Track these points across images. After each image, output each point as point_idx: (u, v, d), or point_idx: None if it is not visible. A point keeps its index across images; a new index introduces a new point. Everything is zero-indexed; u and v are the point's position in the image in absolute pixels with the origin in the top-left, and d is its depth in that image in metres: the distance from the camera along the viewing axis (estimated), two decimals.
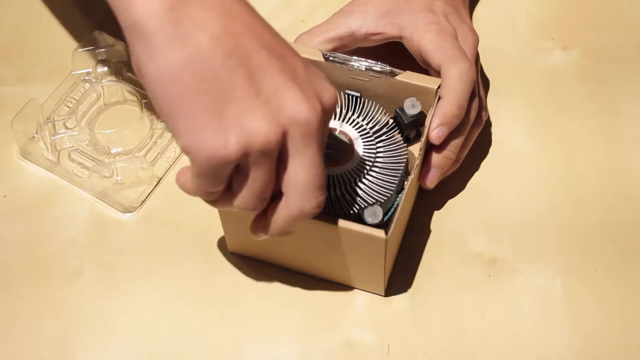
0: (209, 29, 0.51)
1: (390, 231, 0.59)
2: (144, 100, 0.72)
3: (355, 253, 0.62)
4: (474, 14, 0.80)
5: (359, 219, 0.60)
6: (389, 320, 0.65)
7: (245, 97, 0.51)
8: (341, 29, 0.70)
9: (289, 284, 0.66)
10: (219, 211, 0.63)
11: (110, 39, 0.75)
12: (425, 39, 0.67)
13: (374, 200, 0.61)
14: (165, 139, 0.72)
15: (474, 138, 0.69)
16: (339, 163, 0.62)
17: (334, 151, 0.62)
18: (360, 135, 0.63)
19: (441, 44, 0.67)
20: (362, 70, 0.66)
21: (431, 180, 0.67)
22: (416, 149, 0.65)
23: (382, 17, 0.69)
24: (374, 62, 0.66)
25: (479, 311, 0.65)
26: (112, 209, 0.70)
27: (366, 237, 0.59)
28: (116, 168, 0.69)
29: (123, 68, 0.75)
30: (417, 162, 0.63)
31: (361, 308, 0.65)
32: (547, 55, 0.77)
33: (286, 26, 0.78)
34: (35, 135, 0.71)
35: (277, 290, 0.66)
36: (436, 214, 0.69)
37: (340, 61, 0.67)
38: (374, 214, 0.60)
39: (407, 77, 0.66)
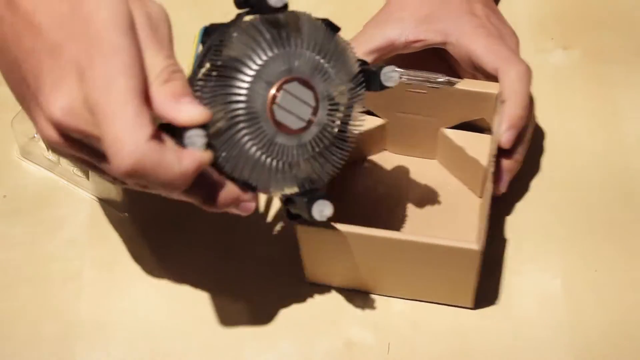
0: None
1: (482, 243, 0.58)
2: None
3: (445, 268, 0.61)
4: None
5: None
6: (389, 320, 0.65)
7: (25, 99, 0.52)
8: (379, 40, 0.68)
9: (289, 284, 0.66)
10: (300, 243, 0.62)
11: None
12: (475, 43, 0.66)
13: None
14: None
15: (530, 137, 0.68)
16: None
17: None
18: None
19: (493, 47, 0.66)
20: (419, 83, 0.65)
21: (504, 186, 0.66)
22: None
23: (421, 23, 0.68)
24: (430, 73, 0.65)
25: (479, 311, 0.65)
26: (112, 209, 0.70)
27: (459, 252, 0.59)
28: None
29: None
30: (491, 169, 0.63)
31: (361, 308, 0.65)
32: (547, 55, 0.77)
33: None
34: (35, 135, 0.71)
35: (277, 290, 0.66)
36: None
37: None
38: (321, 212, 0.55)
39: (466, 84, 0.65)
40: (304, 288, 0.66)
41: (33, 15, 0.50)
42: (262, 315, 0.65)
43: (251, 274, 0.67)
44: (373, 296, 0.65)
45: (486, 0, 0.70)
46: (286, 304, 0.65)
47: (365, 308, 0.65)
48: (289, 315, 0.65)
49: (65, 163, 0.71)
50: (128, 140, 0.48)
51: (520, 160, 0.67)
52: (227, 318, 0.65)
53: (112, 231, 0.69)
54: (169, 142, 0.50)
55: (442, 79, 0.65)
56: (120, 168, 0.48)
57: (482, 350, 0.63)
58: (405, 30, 0.68)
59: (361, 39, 0.68)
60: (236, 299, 0.66)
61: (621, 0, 0.81)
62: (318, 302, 0.65)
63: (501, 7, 0.80)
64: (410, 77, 0.65)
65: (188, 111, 0.50)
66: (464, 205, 0.68)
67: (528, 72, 0.65)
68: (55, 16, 0.51)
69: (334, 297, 0.66)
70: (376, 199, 0.69)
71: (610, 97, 0.75)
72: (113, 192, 0.69)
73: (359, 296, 0.65)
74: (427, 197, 0.69)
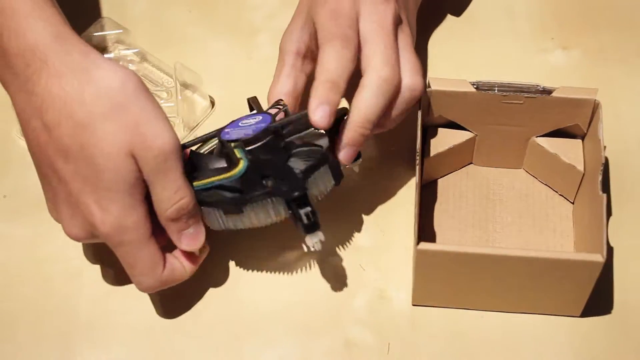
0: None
1: (605, 254, 0.58)
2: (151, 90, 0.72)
3: (563, 280, 0.60)
4: (474, 14, 0.80)
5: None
6: (389, 320, 0.65)
7: (59, 203, 0.59)
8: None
9: (289, 283, 0.66)
10: (417, 265, 0.61)
11: (117, 26, 0.74)
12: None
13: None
14: None
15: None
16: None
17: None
18: None
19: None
20: (515, 94, 0.65)
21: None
22: None
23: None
24: (525, 82, 0.65)
25: (479, 311, 0.65)
26: None
27: (582, 264, 0.58)
28: None
29: (130, 57, 0.74)
30: (600, 178, 0.61)
31: (361, 308, 0.65)
32: (547, 55, 0.77)
33: (286, 26, 0.78)
34: None
35: (277, 289, 0.66)
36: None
37: (490, 88, 0.65)
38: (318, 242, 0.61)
39: (563, 92, 0.65)
40: (303, 288, 0.66)
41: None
42: (262, 314, 0.65)
43: (250, 272, 0.67)
44: (373, 296, 0.65)
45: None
46: (286, 304, 0.65)
47: (365, 308, 0.65)
48: (289, 315, 0.65)
49: None
50: (147, 281, 0.60)
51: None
52: (227, 318, 0.65)
53: None
54: (174, 260, 0.61)
55: (537, 87, 0.64)
56: (145, 292, 0.62)
57: (482, 350, 0.63)
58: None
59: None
60: (236, 299, 0.66)
61: (621, 0, 0.81)
62: (318, 302, 0.65)
63: (501, 7, 0.80)
64: (505, 88, 0.65)
65: (189, 245, 0.60)
66: (557, 212, 0.68)
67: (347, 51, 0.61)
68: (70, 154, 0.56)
69: (334, 297, 0.66)
70: (466, 213, 0.68)
71: (610, 98, 0.75)
72: None
73: (359, 296, 0.66)
74: (519, 206, 0.69)
